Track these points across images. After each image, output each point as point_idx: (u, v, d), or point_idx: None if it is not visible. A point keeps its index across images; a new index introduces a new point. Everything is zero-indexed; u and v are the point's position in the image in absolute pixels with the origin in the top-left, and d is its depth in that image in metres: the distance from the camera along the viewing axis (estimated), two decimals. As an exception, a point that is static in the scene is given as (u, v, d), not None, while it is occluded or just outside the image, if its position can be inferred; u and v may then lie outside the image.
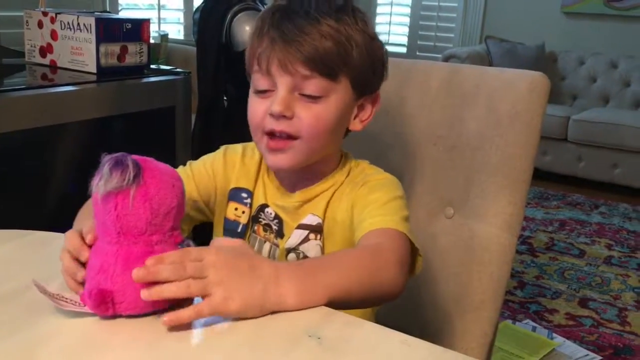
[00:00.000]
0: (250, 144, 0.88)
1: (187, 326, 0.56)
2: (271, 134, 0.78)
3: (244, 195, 0.88)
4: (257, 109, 0.79)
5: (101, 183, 0.56)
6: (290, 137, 0.77)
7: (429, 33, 4.67)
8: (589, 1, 4.03)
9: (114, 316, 0.57)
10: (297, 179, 0.85)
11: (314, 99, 0.77)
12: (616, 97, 3.94)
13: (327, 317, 0.59)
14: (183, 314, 0.55)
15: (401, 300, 0.74)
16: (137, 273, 0.55)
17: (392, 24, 4.90)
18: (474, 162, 1.00)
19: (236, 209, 0.88)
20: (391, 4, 4.85)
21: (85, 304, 0.57)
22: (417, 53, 4.68)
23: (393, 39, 4.90)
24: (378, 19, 4.90)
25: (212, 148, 0.93)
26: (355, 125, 0.84)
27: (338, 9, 0.78)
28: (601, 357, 1.84)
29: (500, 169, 0.97)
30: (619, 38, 3.99)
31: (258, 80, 0.79)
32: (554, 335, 1.95)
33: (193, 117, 1.84)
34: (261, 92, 0.79)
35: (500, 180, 0.97)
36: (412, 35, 4.76)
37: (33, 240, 0.78)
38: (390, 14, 4.88)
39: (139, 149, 0.62)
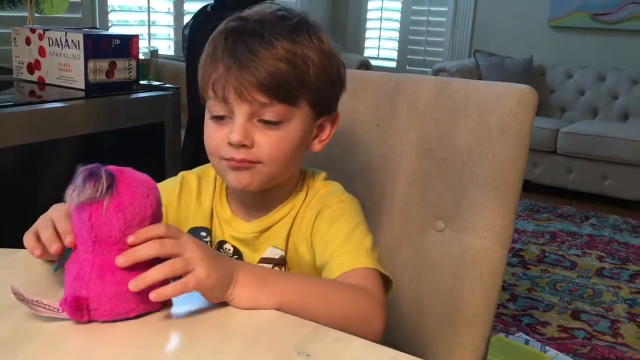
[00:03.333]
0: (206, 172, 0.87)
1: (174, 341, 0.56)
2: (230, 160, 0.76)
3: (204, 234, 0.85)
4: (214, 136, 0.76)
5: (74, 194, 0.57)
6: (252, 162, 0.76)
7: (419, 47, 4.70)
8: (576, 15, 4.08)
9: (89, 321, 0.59)
10: (253, 205, 0.83)
11: (273, 125, 0.75)
12: (604, 110, 3.97)
13: (316, 333, 0.58)
14: (167, 290, 0.58)
15: (391, 314, 0.74)
16: (119, 259, 0.58)
17: (381, 39, 4.93)
18: (464, 175, 1.00)
19: None
20: (380, 19, 4.89)
21: (64, 310, 0.58)
22: (407, 67, 4.71)
23: (383, 53, 4.93)
24: (368, 34, 4.94)
25: (202, 163, 0.92)
26: (315, 146, 0.82)
27: (292, 28, 0.75)
28: (594, 370, 1.83)
29: (489, 182, 0.97)
30: (606, 51, 4.03)
31: (214, 107, 0.76)
32: (547, 348, 1.95)
33: (183, 132, 1.84)
34: (218, 119, 0.76)
35: (490, 193, 0.97)
36: (402, 49, 4.79)
37: (20, 258, 0.77)
38: (380, 29, 4.91)
39: (128, 164, 0.62)
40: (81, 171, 0.58)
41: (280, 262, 0.82)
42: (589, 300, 2.34)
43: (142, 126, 1.57)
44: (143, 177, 0.62)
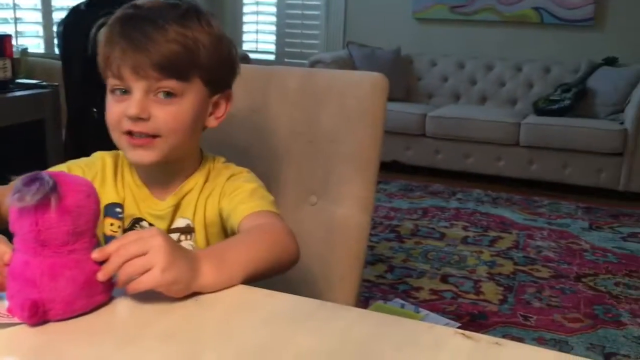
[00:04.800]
0: (121, 153, 0.92)
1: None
2: (129, 134, 0.83)
3: (118, 210, 0.92)
4: (114, 110, 0.84)
5: (16, 198, 0.57)
6: (150, 136, 0.83)
7: (295, 40, 4.86)
8: (436, 8, 4.42)
9: (44, 322, 0.61)
10: (161, 180, 0.91)
11: (168, 98, 0.83)
12: (465, 94, 4.34)
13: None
14: (131, 286, 0.63)
15: (273, 280, 0.85)
16: (99, 276, 0.62)
17: (259, 33, 5.04)
18: (331, 154, 1.13)
19: (112, 224, 0.91)
20: (257, 13, 4.99)
21: (15, 315, 0.60)
22: (285, 60, 4.86)
23: (261, 46, 5.05)
24: (245, 28, 5.03)
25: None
26: (211, 122, 0.91)
27: (182, 14, 0.84)
28: (459, 324, 2.07)
29: (352, 159, 1.12)
30: (465, 41, 4.41)
31: (113, 84, 0.84)
32: (420, 309, 2.17)
33: (63, 130, 1.85)
34: (118, 95, 0.84)
35: (353, 168, 1.11)
36: (279, 42, 4.93)
37: None
38: (257, 23, 5.02)
39: (9, 162, 0.64)
40: (21, 178, 0.58)
41: (187, 231, 0.92)
42: (455, 265, 2.61)
43: (21, 124, 1.58)
44: (80, 178, 0.65)
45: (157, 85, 0.82)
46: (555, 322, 2.13)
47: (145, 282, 0.63)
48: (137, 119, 0.82)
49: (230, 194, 0.90)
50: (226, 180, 0.92)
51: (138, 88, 0.82)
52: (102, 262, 0.64)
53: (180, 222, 0.92)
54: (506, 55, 4.27)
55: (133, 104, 0.81)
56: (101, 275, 0.63)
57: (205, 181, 0.93)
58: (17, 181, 0.59)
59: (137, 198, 0.92)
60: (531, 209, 3.42)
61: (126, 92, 0.83)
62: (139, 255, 0.63)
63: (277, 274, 0.74)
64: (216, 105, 0.91)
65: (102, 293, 0.64)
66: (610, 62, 3.92)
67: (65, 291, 0.60)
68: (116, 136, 0.86)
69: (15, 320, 0.60)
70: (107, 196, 0.91)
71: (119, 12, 0.86)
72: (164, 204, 0.91)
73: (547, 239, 2.96)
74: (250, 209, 0.85)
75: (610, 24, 4.05)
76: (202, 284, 0.67)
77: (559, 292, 2.38)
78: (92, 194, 0.64)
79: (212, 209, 0.92)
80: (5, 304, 0.62)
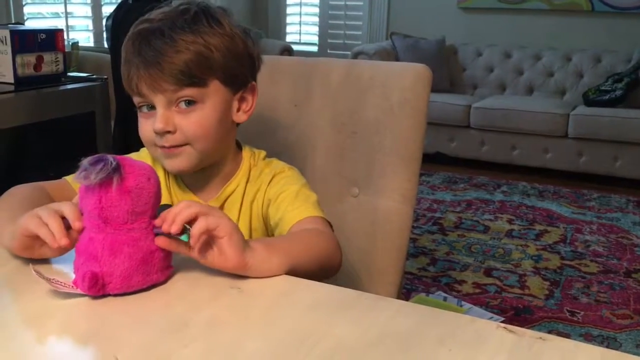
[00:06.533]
0: (148, 156, 0.94)
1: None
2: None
3: None
4: (145, 127, 0.86)
5: (83, 176, 0.62)
6: (180, 145, 0.85)
7: (338, 31, 4.85)
8: (483, -4, 4.34)
9: (103, 296, 0.65)
10: (204, 183, 0.93)
11: (190, 106, 0.84)
12: (511, 85, 4.26)
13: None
14: (195, 229, 0.65)
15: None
16: (158, 241, 0.66)
17: (302, 24, 5.05)
18: (373, 145, 1.13)
19: None
20: (300, 4, 5.00)
21: (78, 286, 0.64)
22: (328, 51, 4.85)
23: (305, 38, 5.05)
24: (289, 20, 5.04)
25: (131, 151, 0.99)
26: (240, 117, 0.92)
27: (192, 20, 0.84)
28: (503, 318, 2.05)
29: (394, 151, 1.11)
30: (512, 30, 4.31)
31: (138, 102, 0.86)
32: (463, 302, 2.15)
33: (112, 122, 1.90)
34: (145, 112, 0.86)
35: (395, 160, 1.11)
36: (322, 34, 4.92)
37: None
38: (300, 14, 5.03)
39: (61, 154, 0.68)
40: (87, 159, 0.63)
41: None
42: (500, 258, 2.57)
43: (72, 117, 1.63)
44: (142, 162, 0.68)
45: (176, 97, 0.83)
46: (603, 318, 2.08)
47: (215, 226, 0.66)
48: (164, 133, 0.84)
49: (275, 200, 0.91)
50: (269, 182, 0.93)
51: (159, 102, 0.84)
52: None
53: None
54: (555, 44, 4.16)
55: (158, 118, 0.83)
56: (174, 227, 0.65)
57: (247, 181, 0.94)
58: (84, 161, 0.63)
59: (179, 200, 0.94)
60: (579, 202, 3.34)
61: (152, 107, 0.85)
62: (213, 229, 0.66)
63: (319, 278, 0.74)
64: (242, 99, 0.92)
65: (158, 272, 0.67)
66: (665, 50, 3.78)
67: (123, 266, 0.64)
68: (151, 150, 0.89)
69: (79, 291, 0.64)
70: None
71: (133, 28, 0.87)
72: None
73: (595, 233, 2.88)
74: (297, 217, 0.86)
75: (666, 10, 3.90)
76: (253, 260, 0.68)
77: (607, 288, 2.31)
78: (152, 177, 0.67)
79: (257, 215, 0.94)
80: (72, 277, 0.67)
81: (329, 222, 0.89)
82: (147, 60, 0.82)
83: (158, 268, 0.67)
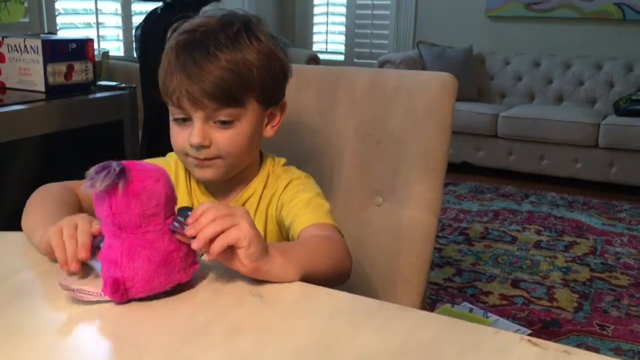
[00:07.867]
0: (174, 161, 0.97)
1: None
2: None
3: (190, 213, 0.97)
4: (178, 138, 0.88)
5: (89, 185, 0.62)
6: (212, 158, 0.87)
7: (365, 40, 4.86)
8: (511, 5, 4.30)
9: (128, 301, 0.66)
10: (225, 188, 0.95)
11: (227, 125, 0.86)
12: (540, 94, 4.20)
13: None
14: (215, 245, 0.66)
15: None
16: (194, 244, 0.66)
17: (329, 33, 5.07)
18: (398, 155, 1.13)
19: None
20: (327, 14, 5.02)
21: (107, 294, 0.65)
22: (355, 60, 4.86)
23: (331, 47, 5.07)
24: (315, 29, 5.06)
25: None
26: (268, 132, 0.94)
27: (234, 36, 0.85)
28: (530, 331, 2.01)
29: (419, 160, 1.11)
30: (540, 38, 4.27)
31: (175, 111, 0.87)
32: (489, 314, 2.12)
33: (140, 131, 1.92)
34: (180, 122, 0.88)
35: (420, 169, 1.10)
36: (349, 43, 4.93)
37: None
38: (327, 24, 5.05)
39: (90, 161, 0.67)
40: (93, 168, 0.63)
41: None
42: (527, 270, 2.53)
43: (101, 125, 1.66)
44: (151, 165, 0.68)
45: (215, 115, 0.85)
46: (634, 332, 2.03)
47: (232, 234, 0.66)
48: (200, 146, 0.85)
49: (288, 204, 0.92)
50: (284, 187, 0.94)
51: (198, 117, 0.85)
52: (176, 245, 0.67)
53: None
54: (585, 53, 4.10)
55: (195, 133, 0.85)
56: (196, 244, 0.65)
57: (264, 186, 0.96)
58: (91, 170, 0.63)
59: (199, 202, 0.95)
60: (610, 213, 3.27)
61: (187, 119, 0.86)
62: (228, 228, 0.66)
63: (329, 284, 0.74)
64: (272, 115, 0.94)
65: (180, 271, 0.67)
66: (700, 59, 3.69)
67: (143, 269, 0.65)
68: (182, 158, 0.91)
69: (106, 298, 0.65)
70: (179, 199, 0.95)
71: (175, 38, 0.88)
72: None
73: (627, 246, 2.82)
74: (307, 222, 0.87)
75: (700, 18, 3.81)
76: (270, 266, 0.69)
77: (639, 302, 2.26)
78: (161, 179, 0.66)
79: (272, 218, 0.95)
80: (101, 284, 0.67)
81: (339, 230, 0.89)
82: (190, 75, 0.83)
83: (180, 267, 0.67)
